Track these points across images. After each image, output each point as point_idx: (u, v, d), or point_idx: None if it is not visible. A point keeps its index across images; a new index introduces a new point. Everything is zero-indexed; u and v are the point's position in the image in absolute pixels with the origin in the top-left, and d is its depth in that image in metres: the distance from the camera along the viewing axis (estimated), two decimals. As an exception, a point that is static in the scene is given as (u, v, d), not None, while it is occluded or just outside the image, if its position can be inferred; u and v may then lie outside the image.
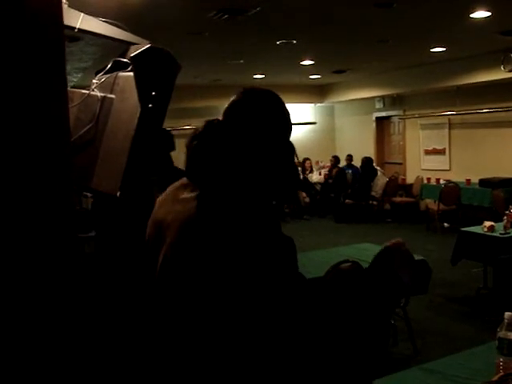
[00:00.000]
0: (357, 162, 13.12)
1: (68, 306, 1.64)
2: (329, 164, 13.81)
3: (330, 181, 13.13)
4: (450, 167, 12.06)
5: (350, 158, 13.52)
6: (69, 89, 2.57)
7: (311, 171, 13.79)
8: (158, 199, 1.59)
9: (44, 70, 1.64)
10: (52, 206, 1.63)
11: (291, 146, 1.57)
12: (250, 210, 1.47)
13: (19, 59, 1.59)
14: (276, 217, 1.54)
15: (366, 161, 12.46)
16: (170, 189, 1.59)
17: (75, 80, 4.71)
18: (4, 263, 1.56)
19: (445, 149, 12.20)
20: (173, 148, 3.32)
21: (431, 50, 9.15)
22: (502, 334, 2.31)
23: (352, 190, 12.20)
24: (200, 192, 1.49)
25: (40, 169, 1.62)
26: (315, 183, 13.42)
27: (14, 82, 1.58)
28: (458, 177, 11.20)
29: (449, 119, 11.96)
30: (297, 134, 15.22)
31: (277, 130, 1.55)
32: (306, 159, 13.71)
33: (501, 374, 2.21)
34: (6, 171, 1.57)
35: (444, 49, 9.02)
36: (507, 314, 2.32)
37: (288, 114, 1.59)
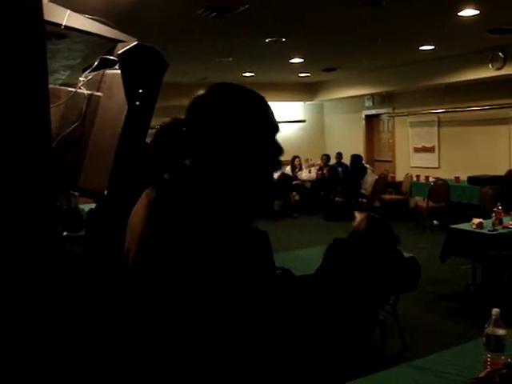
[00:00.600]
0: (346, 160, 13.16)
1: (50, 305, 1.63)
2: (319, 162, 13.82)
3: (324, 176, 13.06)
4: (439, 165, 12.12)
5: (339, 155, 13.55)
6: (55, 86, 2.56)
7: (300, 169, 13.80)
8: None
9: (22, 67, 1.62)
10: (33, 206, 1.62)
11: (263, 147, 1.41)
12: (209, 211, 1.34)
13: None
14: (246, 214, 1.42)
15: (355, 158, 12.49)
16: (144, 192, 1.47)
17: (63, 78, 4.68)
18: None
19: (434, 146, 12.26)
20: None
21: (420, 48, 9.18)
22: (489, 330, 2.32)
23: (342, 188, 12.22)
24: (156, 195, 1.37)
25: (19, 168, 1.60)
26: (305, 181, 13.41)
27: None
28: (447, 174, 11.25)
29: (438, 117, 12.01)
30: (286, 132, 15.23)
31: (246, 129, 1.38)
32: (295, 157, 13.72)
33: (488, 370, 2.21)
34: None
35: (433, 47, 9.06)
36: (495, 310, 2.33)
37: (265, 113, 1.44)
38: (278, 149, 1.43)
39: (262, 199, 1.42)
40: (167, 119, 1.45)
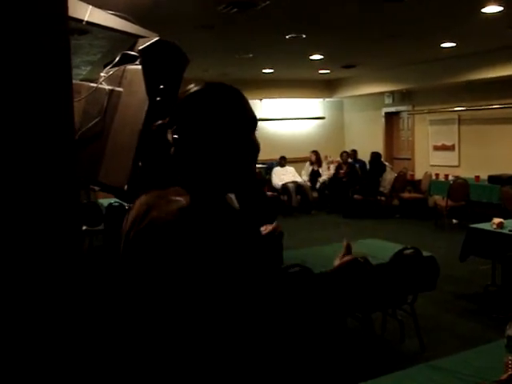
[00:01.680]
0: (365, 158, 13.10)
1: (71, 300, 1.63)
2: (338, 159, 13.76)
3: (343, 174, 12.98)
4: (459, 163, 12.01)
5: (354, 153, 13.47)
6: (77, 82, 2.57)
7: (319, 165, 13.72)
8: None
9: (47, 62, 1.63)
10: (55, 201, 1.62)
11: (245, 143, 1.48)
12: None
13: (21, 52, 1.58)
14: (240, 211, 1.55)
15: (375, 156, 12.43)
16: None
17: (83, 73, 4.71)
18: (7, 258, 1.56)
19: (454, 145, 12.15)
20: None
21: (441, 46, 9.09)
22: (510, 332, 2.29)
23: (360, 186, 12.17)
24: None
25: (43, 163, 1.61)
26: (324, 179, 13.36)
27: (15, 75, 1.57)
28: (466, 173, 11.15)
29: (458, 115, 11.90)
30: (306, 129, 15.21)
31: (225, 123, 1.45)
32: (312, 152, 13.67)
33: (510, 372, 2.19)
34: (9, 165, 1.56)
35: (454, 44, 8.96)
36: (516, 311, 2.30)
37: (243, 109, 1.50)
38: (253, 144, 1.51)
39: (237, 186, 1.53)
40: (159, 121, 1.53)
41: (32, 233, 1.58)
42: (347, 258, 1.62)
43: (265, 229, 2.14)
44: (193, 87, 1.50)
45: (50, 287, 1.60)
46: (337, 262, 1.62)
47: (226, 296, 1.37)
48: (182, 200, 1.44)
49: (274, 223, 1.82)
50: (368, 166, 12.95)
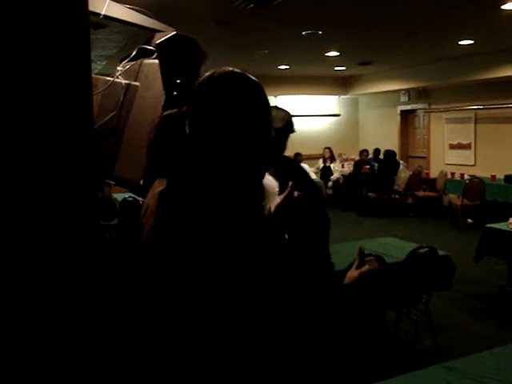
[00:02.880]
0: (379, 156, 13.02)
1: (90, 295, 1.63)
2: (352, 156, 13.69)
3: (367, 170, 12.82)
4: (475, 162, 11.91)
5: (366, 152, 13.32)
6: (93, 75, 2.56)
7: (331, 161, 13.63)
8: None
9: (68, 56, 1.62)
10: (74, 194, 1.62)
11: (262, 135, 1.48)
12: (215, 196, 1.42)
13: (43, 46, 1.57)
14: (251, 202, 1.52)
15: (389, 154, 12.34)
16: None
17: (99, 68, 4.70)
18: (27, 252, 1.55)
19: (470, 143, 12.05)
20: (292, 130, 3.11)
21: (459, 43, 9.00)
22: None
23: (375, 184, 12.10)
24: (167, 184, 1.47)
25: (63, 156, 1.61)
26: (337, 177, 13.29)
27: (36, 68, 1.57)
28: (482, 172, 11.06)
29: (475, 113, 11.80)
30: (320, 126, 15.15)
31: (242, 111, 1.43)
32: (326, 148, 13.60)
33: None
34: (29, 159, 1.55)
35: (472, 42, 8.87)
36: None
37: (260, 98, 1.50)
38: (268, 134, 1.49)
39: (254, 176, 1.52)
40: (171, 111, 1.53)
41: (51, 227, 1.58)
42: (364, 269, 1.58)
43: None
44: (208, 74, 1.48)
45: (70, 281, 1.60)
46: (353, 273, 1.58)
47: (217, 290, 1.34)
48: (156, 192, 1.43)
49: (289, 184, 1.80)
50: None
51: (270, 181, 1.84)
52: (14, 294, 1.54)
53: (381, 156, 13.05)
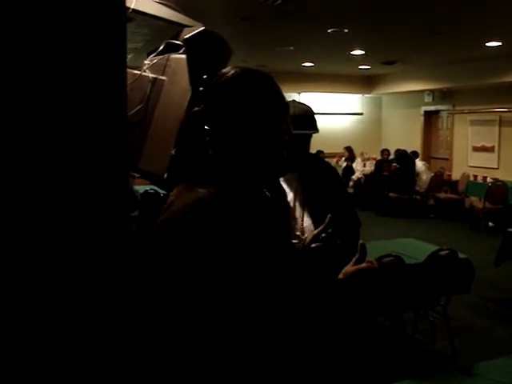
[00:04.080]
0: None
1: (118, 287, 1.65)
2: (374, 156, 13.62)
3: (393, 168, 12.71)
4: (499, 165, 11.79)
5: (387, 152, 13.23)
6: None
7: (352, 161, 13.55)
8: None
9: (106, 49, 1.64)
10: (108, 186, 1.64)
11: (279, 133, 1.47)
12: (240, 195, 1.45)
13: (80, 38, 1.60)
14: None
15: (403, 154, 12.26)
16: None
17: (127, 60, 4.74)
18: (59, 242, 1.58)
19: (494, 146, 11.93)
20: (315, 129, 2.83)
21: (486, 44, 8.91)
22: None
23: (396, 184, 12.03)
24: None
25: (98, 147, 1.63)
26: (358, 176, 13.23)
27: (74, 60, 1.59)
28: (506, 176, 10.94)
29: (499, 116, 11.67)
30: (343, 124, 15.10)
31: (259, 110, 1.42)
32: (346, 148, 13.55)
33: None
34: (65, 150, 1.58)
35: (499, 43, 8.77)
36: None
37: (274, 94, 1.47)
38: (285, 132, 1.48)
39: (270, 173, 1.51)
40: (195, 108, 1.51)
41: (84, 217, 1.60)
42: (362, 265, 1.56)
43: None
44: (224, 74, 1.47)
45: (103, 274, 1.62)
46: (349, 269, 1.56)
47: (234, 291, 1.35)
48: (202, 191, 1.40)
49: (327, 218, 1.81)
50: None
51: None
52: (44, 281, 1.57)
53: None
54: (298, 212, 2.71)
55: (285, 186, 2.71)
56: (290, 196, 2.73)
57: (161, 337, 1.37)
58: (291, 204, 2.71)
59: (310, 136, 2.82)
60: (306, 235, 1.79)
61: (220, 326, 1.35)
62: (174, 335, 1.35)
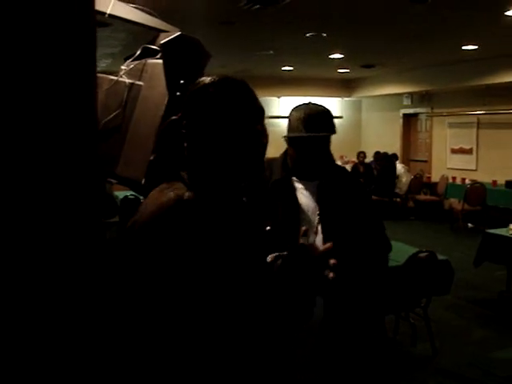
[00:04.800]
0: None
1: (90, 292, 1.63)
2: (354, 159, 13.69)
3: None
4: (477, 167, 11.91)
5: (363, 154, 13.25)
6: (97, 74, 2.57)
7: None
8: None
9: (74, 55, 1.63)
10: (79, 194, 1.62)
11: (256, 134, 1.51)
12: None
13: (49, 44, 1.58)
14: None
15: (385, 157, 12.35)
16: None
17: (104, 65, 4.72)
18: (29, 250, 1.56)
19: (472, 148, 12.06)
20: None
21: (462, 48, 9.01)
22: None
23: (376, 186, 12.09)
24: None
25: (67, 154, 1.61)
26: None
27: (41, 67, 1.57)
28: (484, 177, 11.06)
29: (477, 118, 11.80)
30: (322, 128, 15.11)
31: (235, 116, 1.48)
32: None
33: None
34: (32, 157, 1.56)
35: (476, 47, 8.88)
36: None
37: (249, 100, 1.52)
38: (262, 135, 1.53)
39: (247, 177, 1.55)
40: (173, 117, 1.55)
41: (53, 225, 1.58)
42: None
43: None
44: (200, 82, 1.51)
45: (71, 278, 1.60)
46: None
47: (199, 291, 1.38)
48: (172, 194, 1.43)
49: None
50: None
51: None
52: (15, 290, 1.55)
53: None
54: (309, 224, 2.36)
55: (302, 194, 2.46)
56: (306, 206, 2.44)
57: (128, 334, 1.39)
58: (306, 215, 2.42)
59: (327, 139, 2.56)
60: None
61: (187, 323, 1.37)
62: (138, 332, 1.37)
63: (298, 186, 2.48)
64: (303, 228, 1.64)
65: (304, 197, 2.45)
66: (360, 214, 2.49)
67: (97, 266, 1.65)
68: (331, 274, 1.51)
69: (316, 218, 2.41)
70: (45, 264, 1.57)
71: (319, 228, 2.39)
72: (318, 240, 2.34)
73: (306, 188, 2.47)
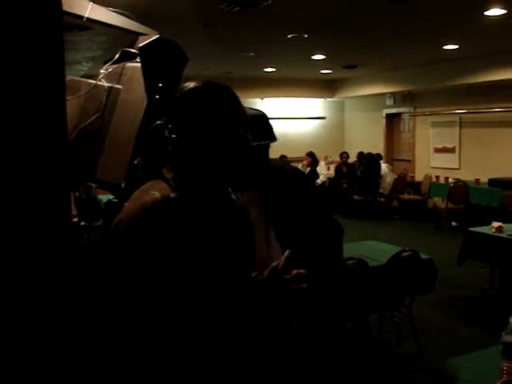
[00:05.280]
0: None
1: (65, 297, 1.62)
2: (337, 160, 13.72)
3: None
4: (460, 166, 12.00)
5: (346, 155, 13.27)
6: (75, 78, 2.56)
7: (316, 165, 13.47)
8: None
9: (38, 59, 1.59)
10: (47, 198, 1.60)
11: (240, 138, 1.54)
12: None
13: (11, 47, 1.55)
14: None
15: (369, 157, 12.40)
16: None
17: (85, 69, 4.69)
18: None
19: (455, 147, 12.14)
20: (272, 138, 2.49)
21: (443, 48, 9.08)
22: (506, 337, 2.28)
23: (359, 186, 12.14)
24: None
25: (33, 160, 1.58)
26: (322, 180, 13.27)
27: (5, 71, 1.55)
28: (467, 176, 11.13)
29: (460, 117, 11.89)
30: (306, 129, 15.18)
31: (218, 121, 1.50)
32: (307, 154, 13.49)
33: (504, 379, 2.18)
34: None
35: (457, 46, 8.95)
36: (513, 317, 2.29)
37: (233, 104, 1.55)
38: (245, 139, 1.56)
39: (231, 179, 1.59)
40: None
41: (22, 231, 1.57)
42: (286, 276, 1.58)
43: None
44: (186, 86, 1.55)
45: (43, 284, 1.59)
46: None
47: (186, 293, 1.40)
48: (156, 193, 1.45)
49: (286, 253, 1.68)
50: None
51: None
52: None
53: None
54: (262, 237, 2.24)
55: (247, 207, 2.11)
56: (252, 218, 2.11)
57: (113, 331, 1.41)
58: (254, 229, 2.10)
59: (266, 146, 2.42)
60: (274, 262, 1.59)
61: (173, 319, 1.39)
62: (126, 329, 1.39)
63: (240, 198, 2.12)
64: (287, 252, 1.61)
65: (250, 209, 2.21)
66: (307, 206, 2.40)
67: (69, 268, 1.64)
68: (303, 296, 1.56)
69: (265, 229, 2.28)
70: (15, 266, 1.56)
71: (272, 236, 2.27)
72: (276, 251, 2.19)
73: (248, 199, 2.22)
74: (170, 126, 1.53)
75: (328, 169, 13.71)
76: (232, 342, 1.49)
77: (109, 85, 2.38)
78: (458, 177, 11.19)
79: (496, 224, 6.02)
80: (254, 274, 1.65)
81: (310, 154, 13.49)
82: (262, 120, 2.40)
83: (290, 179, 2.46)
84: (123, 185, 2.20)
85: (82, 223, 8.78)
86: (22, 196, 1.56)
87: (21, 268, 1.56)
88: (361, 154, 13.13)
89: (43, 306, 1.58)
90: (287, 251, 1.60)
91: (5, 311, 1.53)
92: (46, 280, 1.59)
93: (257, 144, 2.19)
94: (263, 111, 2.45)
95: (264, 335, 1.59)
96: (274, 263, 1.61)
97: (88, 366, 1.61)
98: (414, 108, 13.33)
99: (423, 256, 4.86)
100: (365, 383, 2.93)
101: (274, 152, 2.84)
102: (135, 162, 2.03)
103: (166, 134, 1.52)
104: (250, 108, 2.29)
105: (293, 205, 2.35)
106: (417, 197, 12.21)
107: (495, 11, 6.35)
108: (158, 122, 1.57)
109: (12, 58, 1.54)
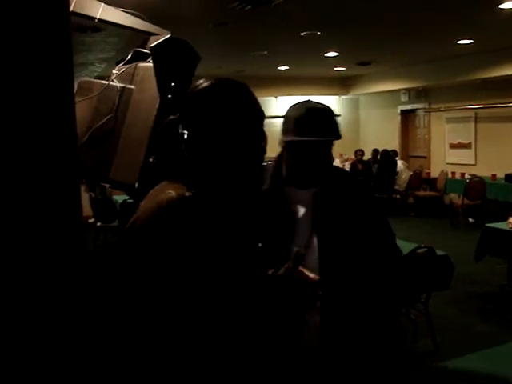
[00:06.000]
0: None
1: (75, 298, 1.63)
2: (353, 157, 13.69)
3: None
4: (476, 162, 11.91)
5: (361, 152, 13.24)
6: (88, 79, 2.57)
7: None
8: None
9: (46, 60, 1.60)
10: (54, 200, 1.61)
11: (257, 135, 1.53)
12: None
13: (19, 49, 1.55)
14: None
15: (384, 154, 12.36)
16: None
17: (99, 70, 4.73)
18: (6, 255, 1.55)
19: (470, 143, 12.05)
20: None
21: (458, 43, 9.01)
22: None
23: (375, 184, 12.10)
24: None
25: (42, 161, 1.59)
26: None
27: (14, 72, 1.55)
28: (483, 171, 11.05)
29: (475, 113, 11.79)
30: (320, 127, 15.10)
31: (235, 118, 1.49)
32: None
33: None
34: (6, 164, 1.55)
35: (471, 41, 8.88)
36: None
37: (249, 102, 1.53)
38: (261, 138, 1.55)
39: (247, 180, 1.57)
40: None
41: (30, 232, 1.57)
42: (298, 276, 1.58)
43: None
44: (201, 83, 1.53)
45: (51, 284, 1.60)
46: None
47: (195, 290, 1.39)
48: (172, 193, 1.44)
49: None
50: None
51: None
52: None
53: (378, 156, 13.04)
54: (304, 238, 2.05)
55: (298, 205, 2.11)
56: (301, 219, 2.09)
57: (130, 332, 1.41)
58: (302, 230, 2.06)
59: (328, 144, 2.20)
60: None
61: (187, 321, 1.38)
62: (139, 329, 1.39)
63: (293, 195, 2.13)
64: (296, 249, 1.59)
65: (299, 208, 2.12)
66: (364, 222, 2.16)
67: (78, 268, 1.65)
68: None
69: (308, 230, 2.07)
70: (23, 267, 1.57)
71: (315, 243, 2.04)
72: (313, 259, 2.00)
73: (302, 198, 2.12)
74: (183, 123, 1.51)
75: (343, 166, 13.67)
76: (244, 341, 1.49)
77: (121, 85, 2.39)
78: (473, 172, 11.11)
79: (513, 219, 5.97)
80: (270, 272, 1.64)
81: None
82: (326, 115, 2.18)
83: (354, 187, 2.28)
84: (137, 185, 2.22)
85: (98, 224, 8.85)
86: (30, 198, 1.57)
87: (25, 269, 1.57)
88: (375, 150, 13.08)
89: (47, 304, 1.59)
90: (296, 249, 1.59)
91: (8, 307, 1.55)
92: (53, 279, 1.60)
93: (318, 140, 2.09)
94: (330, 107, 2.24)
95: (276, 332, 1.59)
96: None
97: (98, 365, 1.62)
98: (429, 104, 13.25)
99: (439, 252, 4.83)
100: (381, 380, 2.91)
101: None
102: (150, 160, 2.05)
103: (180, 130, 1.51)
104: (317, 102, 2.23)
105: (349, 215, 2.13)
106: (433, 193, 12.14)
107: (510, 4, 6.28)
108: (172, 117, 1.55)
109: (18, 58, 1.55)
